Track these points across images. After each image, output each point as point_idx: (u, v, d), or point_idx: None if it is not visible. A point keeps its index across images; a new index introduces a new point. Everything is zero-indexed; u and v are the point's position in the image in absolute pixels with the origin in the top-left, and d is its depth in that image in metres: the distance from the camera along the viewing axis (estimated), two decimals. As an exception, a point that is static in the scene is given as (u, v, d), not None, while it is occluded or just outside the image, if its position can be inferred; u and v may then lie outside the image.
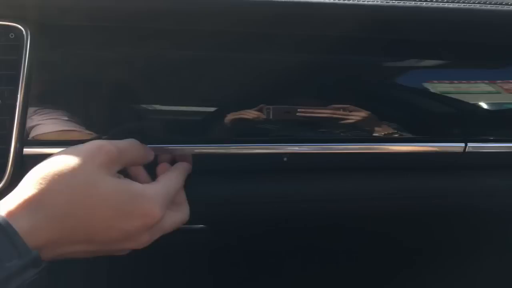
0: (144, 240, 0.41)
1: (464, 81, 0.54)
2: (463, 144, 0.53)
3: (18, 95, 0.45)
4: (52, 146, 0.47)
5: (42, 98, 0.47)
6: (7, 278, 0.33)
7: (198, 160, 0.49)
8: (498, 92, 0.54)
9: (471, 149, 0.53)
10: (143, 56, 0.48)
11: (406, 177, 0.54)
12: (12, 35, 0.45)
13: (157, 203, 0.41)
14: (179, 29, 0.47)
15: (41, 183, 0.37)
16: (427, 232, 0.62)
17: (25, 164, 0.47)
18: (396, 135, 0.52)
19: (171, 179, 0.45)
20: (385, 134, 0.52)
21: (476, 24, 0.49)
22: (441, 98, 0.53)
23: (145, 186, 0.42)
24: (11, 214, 0.36)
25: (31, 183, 0.38)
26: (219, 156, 0.50)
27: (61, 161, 0.39)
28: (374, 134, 0.51)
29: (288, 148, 0.50)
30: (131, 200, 0.40)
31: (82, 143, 0.43)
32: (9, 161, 0.46)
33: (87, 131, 0.48)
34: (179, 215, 0.45)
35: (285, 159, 0.51)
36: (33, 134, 0.47)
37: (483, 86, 0.54)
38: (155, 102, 0.49)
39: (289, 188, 0.51)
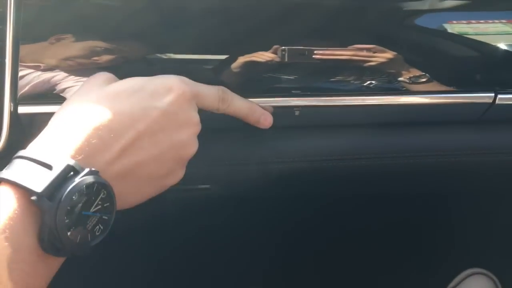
0: (196, 118, 0.39)
1: (496, 21, 0.48)
2: (492, 95, 0.49)
3: (7, 51, 0.42)
4: (48, 104, 0.44)
5: (34, 53, 0.43)
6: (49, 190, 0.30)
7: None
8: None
9: (501, 101, 0.49)
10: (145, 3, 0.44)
11: (429, 132, 0.50)
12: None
13: (177, 77, 0.38)
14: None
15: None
16: (452, 190, 0.59)
17: (22, 124, 0.45)
18: (417, 85, 0.47)
19: (204, 85, 0.41)
20: (408, 82, 0.47)
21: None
22: (467, 42, 0.47)
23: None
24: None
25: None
26: None
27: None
28: (395, 83, 0.47)
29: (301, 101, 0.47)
30: (152, 83, 0.37)
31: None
32: (4, 121, 0.43)
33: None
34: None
35: (297, 113, 0.47)
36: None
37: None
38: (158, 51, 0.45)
39: (304, 145, 0.48)
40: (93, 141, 0.34)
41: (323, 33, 0.46)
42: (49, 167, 0.31)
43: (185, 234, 0.68)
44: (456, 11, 0.47)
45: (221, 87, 0.42)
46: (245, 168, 0.46)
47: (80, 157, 0.33)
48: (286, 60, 0.44)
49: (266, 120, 0.44)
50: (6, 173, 0.32)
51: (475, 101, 0.49)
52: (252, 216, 0.69)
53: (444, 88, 0.48)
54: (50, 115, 0.44)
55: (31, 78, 0.44)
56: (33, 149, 0.34)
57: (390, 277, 0.82)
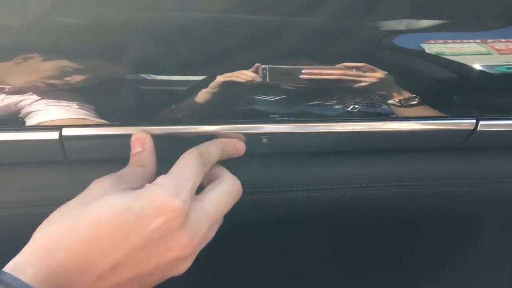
0: (185, 239, 0.36)
1: (472, 41, 0.46)
2: (474, 121, 0.47)
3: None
4: (12, 131, 0.42)
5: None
6: None
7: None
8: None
9: (483, 128, 0.47)
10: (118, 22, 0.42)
11: (407, 160, 0.49)
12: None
13: (166, 192, 0.35)
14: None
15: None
16: (434, 222, 0.58)
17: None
18: (398, 110, 0.46)
19: (183, 164, 0.38)
20: (396, 106, 0.45)
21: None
22: (448, 65, 0.45)
23: (148, 186, 0.37)
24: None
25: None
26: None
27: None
28: (375, 107, 0.45)
29: (269, 127, 0.45)
30: (138, 204, 0.34)
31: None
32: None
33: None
34: (219, 188, 0.39)
35: (264, 140, 0.46)
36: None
37: (501, 52, 0.47)
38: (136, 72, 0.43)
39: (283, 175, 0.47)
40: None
41: (301, 53, 0.44)
42: None
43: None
44: (433, 32, 0.46)
45: (198, 152, 0.40)
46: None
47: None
48: (267, 80, 0.43)
49: (238, 151, 0.44)
50: None
51: (455, 128, 0.47)
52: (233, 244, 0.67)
53: (423, 112, 0.47)
54: (9, 142, 0.43)
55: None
56: (27, 275, 0.32)
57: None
